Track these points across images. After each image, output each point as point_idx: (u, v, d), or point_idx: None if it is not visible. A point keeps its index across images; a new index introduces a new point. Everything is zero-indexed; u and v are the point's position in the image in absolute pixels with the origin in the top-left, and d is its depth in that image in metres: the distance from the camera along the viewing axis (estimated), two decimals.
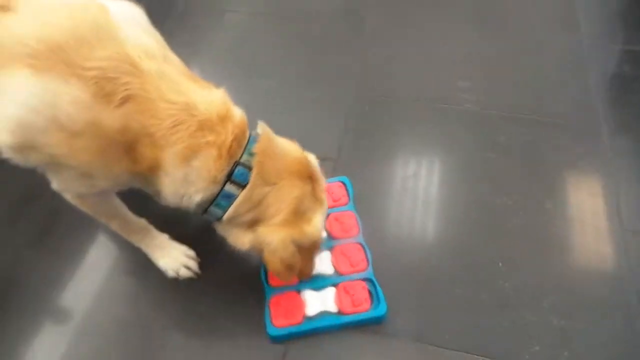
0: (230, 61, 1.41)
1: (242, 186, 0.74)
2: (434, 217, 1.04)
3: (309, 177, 0.79)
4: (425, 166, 1.13)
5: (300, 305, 0.89)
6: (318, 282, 0.92)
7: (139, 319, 0.93)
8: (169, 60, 0.74)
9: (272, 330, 0.86)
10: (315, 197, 0.80)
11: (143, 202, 0.93)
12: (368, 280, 0.92)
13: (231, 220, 0.77)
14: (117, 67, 0.66)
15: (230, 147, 0.73)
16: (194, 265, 0.96)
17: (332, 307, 0.88)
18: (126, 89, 0.66)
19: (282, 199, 0.76)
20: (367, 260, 0.94)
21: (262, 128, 0.77)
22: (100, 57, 0.66)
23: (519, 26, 1.46)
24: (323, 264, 0.93)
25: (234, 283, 0.96)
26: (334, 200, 1.03)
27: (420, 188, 1.09)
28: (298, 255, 0.77)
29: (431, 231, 1.02)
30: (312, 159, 0.83)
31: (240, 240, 0.79)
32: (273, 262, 0.76)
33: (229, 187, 0.74)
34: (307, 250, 0.80)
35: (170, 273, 0.95)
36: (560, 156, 1.13)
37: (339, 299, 0.89)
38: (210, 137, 0.71)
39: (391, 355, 0.86)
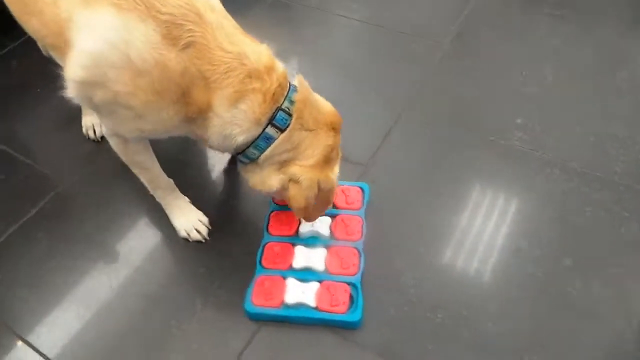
0: (322, 55, 1.48)
1: (282, 130, 0.83)
2: (440, 246, 1.02)
3: (338, 131, 0.88)
4: (449, 192, 1.11)
5: (282, 290, 0.92)
6: (305, 274, 0.95)
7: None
8: (228, 17, 0.82)
9: (249, 307, 0.91)
10: (337, 151, 0.89)
11: (172, 166, 1.04)
12: (353, 285, 0.93)
13: (266, 160, 0.85)
14: (186, 15, 0.75)
15: (274, 94, 0.81)
16: (204, 230, 1.04)
17: (311, 301, 0.91)
18: (190, 36, 0.75)
19: (317, 144, 0.84)
20: (359, 267, 0.95)
21: (299, 80, 0.84)
22: (174, 4, 0.74)
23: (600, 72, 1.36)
24: (316, 259, 0.96)
25: (233, 255, 1.02)
26: (348, 203, 1.05)
27: (438, 214, 1.07)
28: (316, 198, 0.86)
29: (432, 258, 1.00)
30: None
31: (272, 179, 0.86)
32: (298, 198, 0.84)
33: (270, 130, 0.82)
34: (326, 196, 0.88)
35: (182, 233, 1.04)
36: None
37: (319, 295, 0.91)
38: (257, 84, 0.79)
39: None
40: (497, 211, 1.06)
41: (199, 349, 0.90)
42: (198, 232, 1.04)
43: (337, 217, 1.03)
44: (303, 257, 0.97)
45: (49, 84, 0.92)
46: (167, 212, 1.05)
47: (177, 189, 1.05)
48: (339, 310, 0.89)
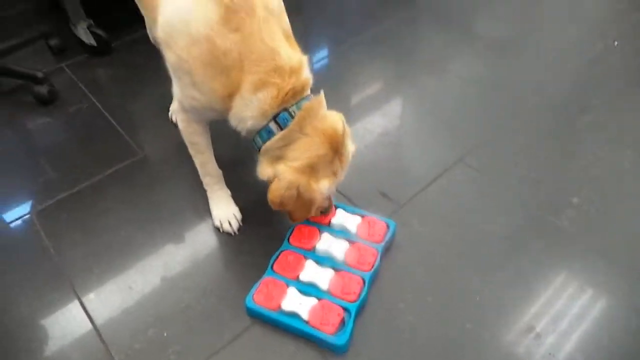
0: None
1: (281, 127, 0.92)
2: (449, 304, 1.01)
3: (337, 150, 0.93)
4: (474, 254, 1.09)
5: (282, 296, 0.98)
6: (307, 288, 1.00)
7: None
8: (280, 18, 0.93)
9: (249, 302, 0.98)
10: (331, 167, 0.94)
11: (224, 160, 1.16)
12: (347, 310, 0.96)
13: (265, 152, 0.95)
14: (242, 5, 0.87)
15: (287, 93, 0.90)
16: (235, 225, 1.14)
17: (304, 314, 0.95)
18: (240, 23, 0.86)
19: (307, 149, 0.91)
20: (359, 296, 0.98)
21: (320, 95, 0.94)
22: None
23: None
24: (322, 277, 1.01)
25: (253, 254, 1.10)
26: (369, 235, 1.09)
27: (456, 273, 1.06)
28: (295, 200, 0.92)
29: (437, 312, 0.99)
30: (350, 145, 0.98)
31: (265, 170, 0.95)
32: (275, 193, 0.91)
33: (272, 125, 0.92)
34: (304, 202, 0.94)
35: (216, 222, 1.15)
36: None
37: (313, 311, 0.95)
38: (277, 80, 0.89)
39: None
40: (523, 287, 1.03)
41: (193, 329, 0.98)
42: (230, 225, 1.14)
43: (355, 245, 1.06)
44: (311, 272, 1.02)
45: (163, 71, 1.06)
46: (209, 199, 1.17)
47: (223, 181, 1.17)
48: (327, 330, 0.93)
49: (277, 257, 1.05)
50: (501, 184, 1.23)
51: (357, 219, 1.12)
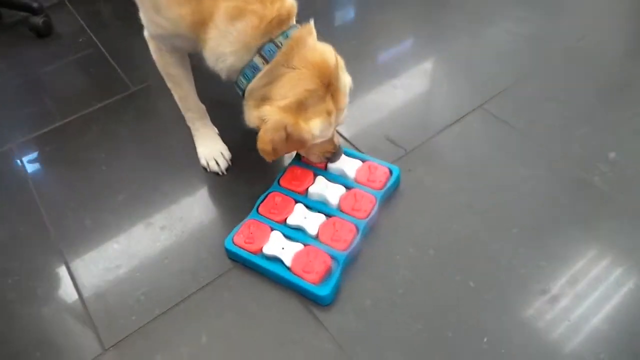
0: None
1: (267, 61, 0.79)
2: (450, 257, 0.89)
3: (329, 84, 0.81)
4: (484, 207, 0.96)
5: (265, 239, 0.88)
6: (294, 233, 0.90)
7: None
8: None
9: (228, 244, 0.89)
10: (323, 104, 0.81)
11: (211, 101, 1.05)
12: (335, 259, 0.85)
13: (250, 94, 0.83)
14: None
15: (270, 22, 0.78)
16: (223, 164, 1.04)
17: (287, 260, 0.85)
18: None
19: (294, 85, 0.79)
20: (350, 245, 0.87)
21: (309, 24, 0.82)
22: None
23: None
24: (311, 223, 0.90)
25: (239, 196, 1.00)
26: (369, 180, 0.97)
27: (463, 226, 0.93)
28: (285, 142, 0.80)
29: (436, 267, 0.88)
30: (346, 77, 0.85)
31: (252, 115, 0.83)
32: (264, 139, 0.80)
33: (257, 59, 0.80)
34: (295, 142, 0.82)
35: (202, 161, 1.05)
36: None
37: (297, 257, 0.85)
38: (257, 6, 0.77)
39: (309, 343, 0.80)
40: (527, 246, 0.90)
41: (169, 265, 0.90)
42: (217, 164, 1.04)
43: (352, 191, 0.95)
44: (300, 216, 0.91)
45: None
46: (194, 137, 1.07)
47: (207, 117, 1.06)
48: (310, 278, 0.83)
49: (264, 198, 0.95)
50: (524, 134, 1.08)
51: (357, 163, 1.00)
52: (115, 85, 1.27)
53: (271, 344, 0.79)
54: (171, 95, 1.02)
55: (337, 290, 0.84)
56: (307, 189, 0.96)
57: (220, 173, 1.04)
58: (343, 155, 1.00)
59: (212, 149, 1.05)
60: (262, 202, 0.95)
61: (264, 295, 0.85)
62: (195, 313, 0.83)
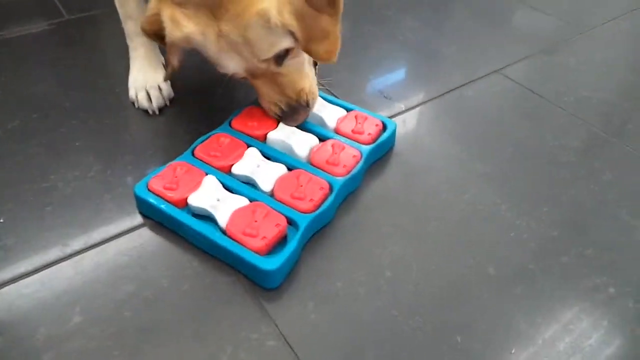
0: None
1: None
2: (450, 239, 0.62)
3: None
4: (493, 172, 0.70)
5: (193, 187, 0.60)
6: (237, 185, 0.62)
7: None
8: None
9: (140, 190, 0.60)
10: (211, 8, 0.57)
11: None
12: (294, 222, 0.58)
13: None
14: None
15: None
16: (157, 100, 0.77)
17: (222, 219, 0.57)
18: None
19: None
20: (317, 207, 0.60)
21: None
22: None
23: None
24: (266, 175, 0.63)
25: (176, 137, 0.73)
26: (354, 132, 0.71)
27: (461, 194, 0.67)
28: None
29: (430, 251, 0.60)
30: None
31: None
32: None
33: None
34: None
35: (131, 92, 0.78)
36: None
37: (236, 216, 0.57)
38: None
39: (243, 337, 0.50)
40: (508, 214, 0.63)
41: (52, 221, 0.61)
42: (149, 98, 0.77)
43: (328, 142, 0.68)
44: (252, 164, 0.64)
45: None
46: (130, 59, 0.80)
47: (151, 42, 0.80)
48: (253, 245, 0.54)
49: (205, 139, 0.68)
50: (550, 100, 0.84)
51: (340, 112, 0.74)
52: (46, 11, 1.01)
53: (188, 336, 0.50)
54: (110, 26, 0.77)
55: (291, 266, 0.56)
56: (266, 134, 0.69)
57: (151, 112, 0.77)
58: (322, 101, 0.74)
59: (145, 77, 0.78)
60: (201, 143, 0.67)
61: (183, 267, 0.56)
62: (74, 282, 0.54)
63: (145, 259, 0.57)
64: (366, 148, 0.68)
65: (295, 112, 0.67)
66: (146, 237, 0.59)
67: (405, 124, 0.78)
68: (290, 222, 0.58)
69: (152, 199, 0.59)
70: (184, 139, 0.71)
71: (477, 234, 0.62)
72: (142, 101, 0.76)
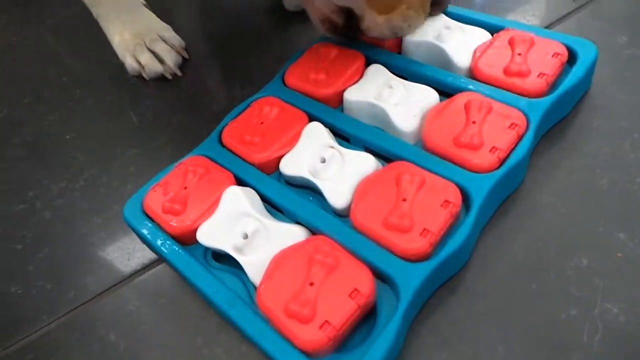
0: None
1: None
2: None
3: None
4: None
5: (210, 207, 0.34)
6: (288, 199, 0.34)
7: None
8: None
9: (129, 210, 0.35)
10: None
11: None
12: (388, 279, 0.28)
13: None
14: None
15: None
16: (171, 58, 0.50)
17: (253, 272, 0.30)
18: None
19: None
20: (440, 237, 0.29)
21: None
22: None
23: None
24: (340, 171, 0.33)
25: (202, 114, 0.47)
26: (508, 73, 0.36)
27: None
28: None
29: None
30: None
31: None
32: None
33: None
34: None
35: (127, 60, 0.51)
36: None
37: (277, 267, 0.30)
38: None
39: None
40: None
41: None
42: (159, 59, 0.50)
43: (458, 98, 0.36)
44: (314, 153, 0.35)
45: None
46: (99, 21, 0.53)
47: None
48: (305, 338, 0.27)
49: (243, 110, 0.40)
50: None
51: (479, 34, 0.40)
52: None
53: None
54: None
55: None
56: (344, 91, 0.39)
57: (170, 75, 0.51)
58: (446, 19, 0.41)
59: (137, 29, 0.51)
60: (234, 119, 0.40)
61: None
62: None
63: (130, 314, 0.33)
64: (536, 105, 0.34)
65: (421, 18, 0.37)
66: (153, 275, 0.35)
67: (613, 53, 0.40)
68: (382, 274, 0.29)
69: (145, 229, 0.34)
70: (208, 116, 0.44)
71: None
72: (149, 64, 0.50)
